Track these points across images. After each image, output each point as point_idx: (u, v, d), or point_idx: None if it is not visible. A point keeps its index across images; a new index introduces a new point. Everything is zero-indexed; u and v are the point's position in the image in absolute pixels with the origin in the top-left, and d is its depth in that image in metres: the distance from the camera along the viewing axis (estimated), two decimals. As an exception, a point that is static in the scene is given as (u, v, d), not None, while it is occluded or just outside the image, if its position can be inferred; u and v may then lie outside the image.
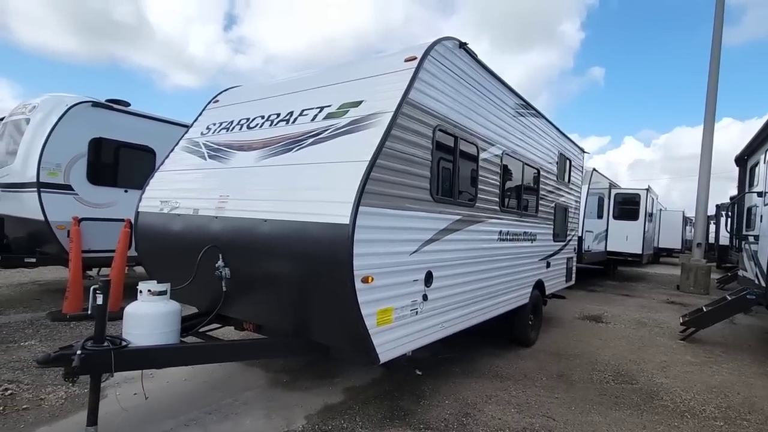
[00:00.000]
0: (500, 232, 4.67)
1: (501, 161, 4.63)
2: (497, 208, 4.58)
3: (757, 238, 6.76)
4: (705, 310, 6.92)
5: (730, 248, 13.00)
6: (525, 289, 5.46)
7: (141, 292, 2.89)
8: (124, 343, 2.69)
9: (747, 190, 8.06)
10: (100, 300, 2.60)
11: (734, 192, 9.11)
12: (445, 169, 3.62)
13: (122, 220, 6.12)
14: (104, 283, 2.61)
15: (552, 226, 6.43)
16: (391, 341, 2.98)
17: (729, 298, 6.89)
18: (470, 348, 5.30)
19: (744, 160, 8.53)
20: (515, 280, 5.12)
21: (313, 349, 3.33)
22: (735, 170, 9.14)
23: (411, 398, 3.84)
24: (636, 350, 5.89)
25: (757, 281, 6.52)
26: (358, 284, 2.63)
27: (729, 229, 8.58)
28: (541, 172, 5.90)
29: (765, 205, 6.30)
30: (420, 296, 3.28)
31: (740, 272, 8.61)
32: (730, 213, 8.68)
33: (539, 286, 5.95)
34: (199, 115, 4.50)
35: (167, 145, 4.55)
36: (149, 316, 2.80)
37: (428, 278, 3.35)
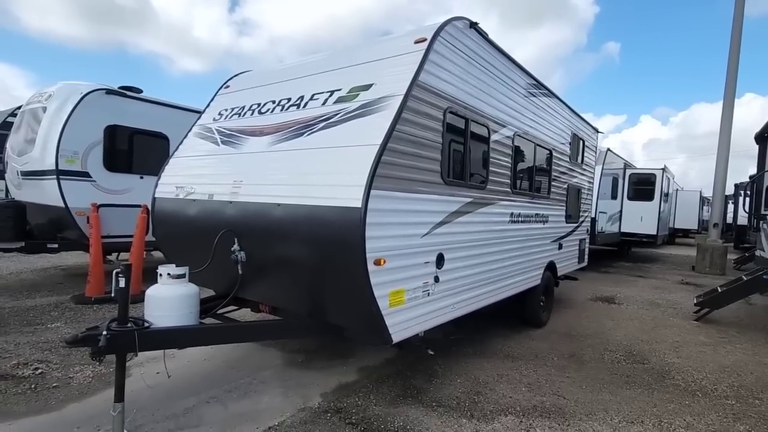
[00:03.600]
0: (512, 214, 4.67)
1: (512, 143, 4.59)
2: (509, 190, 4.57)
3: (775, 217, 6.63)
4: (720, 290, 6.86)
5: (748, 228, 12.75)
6: (536, 271, 5.47)
7: (161, 275, 2.98)
8: (146, 324, 2.80)
9: (767, 169, 7.87)
10: (122, 283, 2.69)
11: (754, 170, 8.89)
12: (456, 152, 3.62)
13: (139, 206, 6.25)
14: (126, 267, 2.70)
15: (564, 208, 6.39)
16: (403, 322, 3.04)
17: (745, 278, 6.81)
18: (482, 329, 5.36)
19: (765, 137, 8.30)
20: (527, 261, 5.13)
21: (328, 330, 3.42)
22: (755, 148, 8.92)
23: (423, 377, 3.93)
24: (648, 330, 5.90)
25: (774, 261, 6.42)
26: (371, 266, 2.67)
27: (747, 209, 8.41)
28: (554, 153, 5.84)
29: (785, 183, 6.16)
30: (431, 278, 3.33)
31: (758, 252, 8.46)
32: (749, 192, 8.50)
33: (551, 267, 5.96)
34: (211, 100, 4.54)
35: (180, 131, 4.61)
36: (170, 298, 2.90)
37: (440, 260, 3.39)
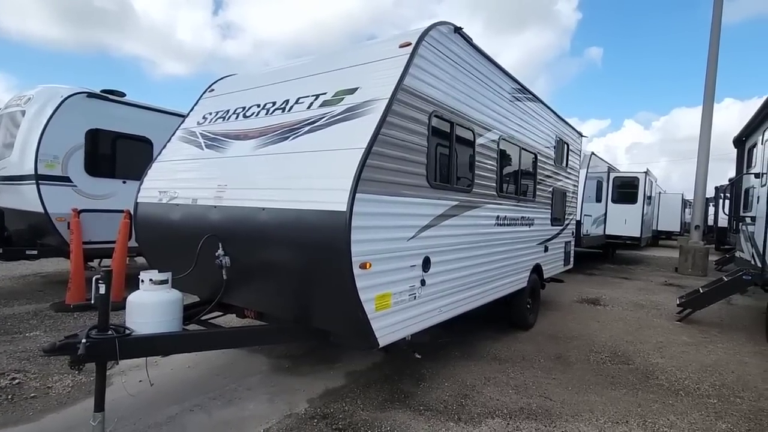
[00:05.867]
0: (498, 217, 4.70)
1: (498, 146, 4.63)
2: (495, 193, 4.60)
3: (754, 219, 6.80)
4: (702, 291, 6.99)
5: (729, 230, 13.05)
6: (523, 273, 5.52)
7: (143, 281, 2.93)
8: (128, 332, 2.74)
9: (745, 172, 8.07)
10: (102, 290, 2.62)
11: (733, 173, 9.11)
12: (441, 155, 3.64)
13: (122, 211, 6.14)
14: (106, 273, 2.64)
15: (550, 211, 6.46)
16: (389, 326, 3.03)
17: (725, 279, 6.96)
18: (469, 332, 5.37)
19: (742, 141, 8.52)
20: (513, 264, 5.16)
21: (314, 334, 3.39)
22: (734, 151, 9.14)
23: (411, 381, 3.92)
24: (633, 332, 5.97)
25: (753, 262, 6.58)
26: (356, 270, 2.66)
27: (727, 211, 8.61)
28: (539, 157, 5.91)
29: (762, 186, 6.33)
30: (418, 281, 3.32)
31: (737, 253, 8.67)
32: (728, 195, 8.70)
33: (537, 270, 6.01)
34: (195, 104, 4.49)
35: (164, 135, 4.55)
36: (152, 304, 2.84)
37: (426, 263, 3.39)
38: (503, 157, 4.79)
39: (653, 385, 4.12)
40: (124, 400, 3.27)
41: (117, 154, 6.96)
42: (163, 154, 4.23)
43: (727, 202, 8.75)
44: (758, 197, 6.57)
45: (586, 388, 3.95)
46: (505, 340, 5.25)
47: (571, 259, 7.87)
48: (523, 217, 5.42)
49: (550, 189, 6.47)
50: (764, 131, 6.59)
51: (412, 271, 3.26)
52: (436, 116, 3.45)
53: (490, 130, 4.44)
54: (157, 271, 3.01)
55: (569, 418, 3.36)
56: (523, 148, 5.35)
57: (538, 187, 5.94)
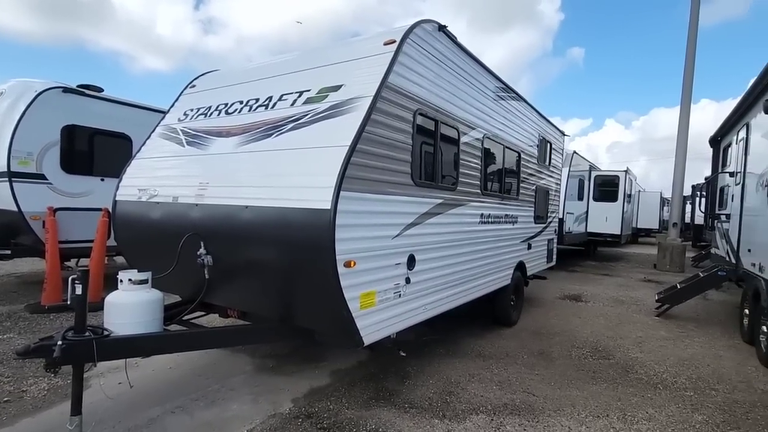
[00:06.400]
0: (482, 215, 4.74)
1: (482, 145, 4.66)
2: (479, 191, 4.63)
3: (728, 217, 7.00)
4: (679, 287, 7.17)
5: (705, 227, 13.41)
6: (507, 271, 5.57)
7: (122, 281, 2.86)
8: (106, 333, 2.67)
9: (720, 171, 8.30)
10: (79, 290, 2.56)
11: (709, 173, 9.36)
12: (426, 153, 3.64)
13: (100, 210, 6.00)
14: (83, 272, 2.57)
15: (533, 209, 6.54)
16: (374, 324, 3.03)
17: (701, 275, 7.15)
18: (454, 329, 5.41)
19: (717, 141, 8.75)
20: (497, 262, 5.21)
21: (298, 333, 3.36)
22: (710, 151, 9.38)
23: (396, 379, 3.92)
24: (613, 327, 6.09)
25: (728, 258, 6.78)
26: (341, 269, 2.65)
27: (703, 209, 8.84)
28: (522, 155, 5.97)
29: (736, 184, 6.51)
30: (403, 279, 3.32)
31: (713, 250, 8.92)
32: (704, 193, 8.94)
33: (521, 267, 6.08)
34: (176, 100, 4.40)
35: (144, 131, 4.45)
36: (131, 304, 2.78)
37: (411, 261, 3.40)
38: (487, 156, 4.82)
39: (633, 379, 4.21)
40: (103, 403, 3.19)
41: (94, 151, 6.78)
42: (143, 151, 4.13)
43: (703, 200, 8.99)
44: (732, 196, 6.76)
45: (568, 383, 4.01)
46: (489, 336, 5.30)
47: (554, 256, 7.99)
48: (506, 215, 5.47)
49: (534, 187, 6.55)
50: (738, 131, 6.79)
51: (397, 269, 3.26)
52: (420, 114, 3.46)
53: (474, 129, 4.47)
54: (136, 270, 2.94)
55: (552, 413, 3.41)
56: (506, 147, 5.39)
57: (521, 185, 6.01)
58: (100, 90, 6.96)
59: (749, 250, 5.59)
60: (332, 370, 4.07)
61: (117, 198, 3.97)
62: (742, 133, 6.46)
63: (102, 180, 6.69)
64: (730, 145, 7.60)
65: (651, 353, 5.00)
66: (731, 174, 7.01)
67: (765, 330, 4.67)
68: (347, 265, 2.70)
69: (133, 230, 3.85)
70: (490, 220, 4.95)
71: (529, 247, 6.44)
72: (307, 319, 3.23)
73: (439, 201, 3.82)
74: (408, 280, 3.38)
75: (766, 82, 5.24)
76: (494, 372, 4.20)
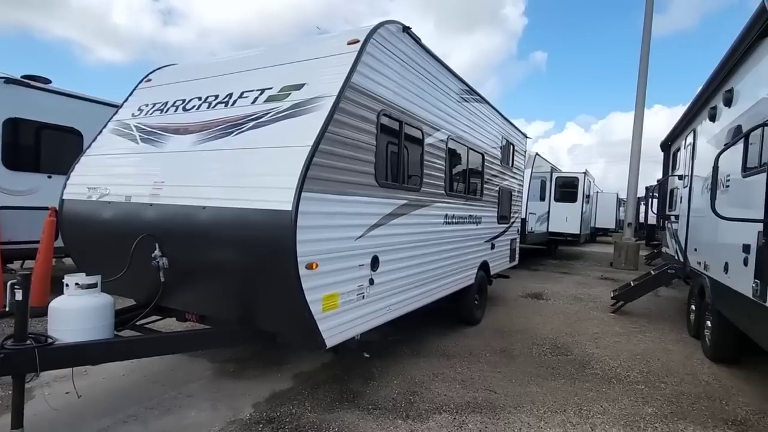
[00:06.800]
0: (446, 215, 4.79)
1: (446, 146, 4.71)
2: (443, 192, 4.68)
3: (677, 218, 7.39)
4: (632, 284, 7.52)
5: (657, 227, 14.14)
6: (471, 271, 5.66)
7: (67, 285, 2.70)
8: (49, 341, 2.52)
9: (670, 174, 8.76)
10: (19, 296, 2.40)
11: (661, 175, 9.87)
12: (390, 154, 3.64)
13: (47, 209, 5.65)
14: (23, 277, 2.41)
15: (497, 209, 6.67)
16: (337, 326, 3.00)
17: (653, 273, 7.53)
18: (419, 329, 5.44)
19: (668, 145, 9.23)
20: (461, 262, 5.28)
21: (260, 337, 3.28)
22: (662, 155, 9.88)
23: (360, 380, 3.90)
24: (572, 324, 6.31)
25: (677, 257, 7.16)
26: (303, 271, 2.60)
27: (655, 210, 9.31)
28: (486, 157, 6.08)
29: (684, 187, 6.89)
30: (366, 280, 3.31)
31: (664, 249, 9.41)
32: (656, 194, 9.42)
33: (484, 267, 6.19)
34: (130, 95, 4.20)
35: (96, 126, 4.22)
36: (77, 310, 2.63)
37: (374, 263, 3.38)
38: (452, 157, 4.88)
39: (589, 374, 4.37)
40: (47, 414, 3.01)
41: (41, 147, 6.37)
42: (93, 148, 3.92)
43: (655, 201, 9.46)
44: (681, 197, 7.15)
45: (529, 380, 4.12)
46: (454, 335, 5.37)
47: (517, 255, 8.20)
48: (471, 216, 5.56)
49: (497, 188, 6.69)
50: (686, 137, 7.18)
51: (361, 271, 3.24)
52: (384, 115, 3.45)
53: (438, 130, 4.50)
54: (84, 274, 2.79)
55: (512, 410, 3.48)
56: (471, 148, 5.48)
57: (485, 186, 6.12)
58: (48, 81, 6.55)
59: (695, 250, 5.92)
60: (295, 373, 4.01)
61: (64, 197, 3.75)
62: (690, 139, 6.84)
63: (49, 177, 6.30)
64: (679, 149, 8.03)
65: (606, 349, 5.21)
66: (680, 177, 7.41)
67: (709, 325, 4.95)
68: (309, 267, 2.66)
69: (82, 231, 3.65)
70: (454, 220, 5.01)
71: (493, 246, 6.58)
72: (268, 322, 3.16)
73: (404, 202, 3.83)
74: (372, 281, 3.37)
75: (711, 91, 5.56)
76: (458, 371, 4.25)
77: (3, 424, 2.76)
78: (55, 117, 6.49)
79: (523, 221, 10.05)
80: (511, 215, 7.53)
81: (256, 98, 3.25)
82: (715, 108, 5.34)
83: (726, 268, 4.29)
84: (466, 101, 5.32)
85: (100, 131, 4.04)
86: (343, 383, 3.82)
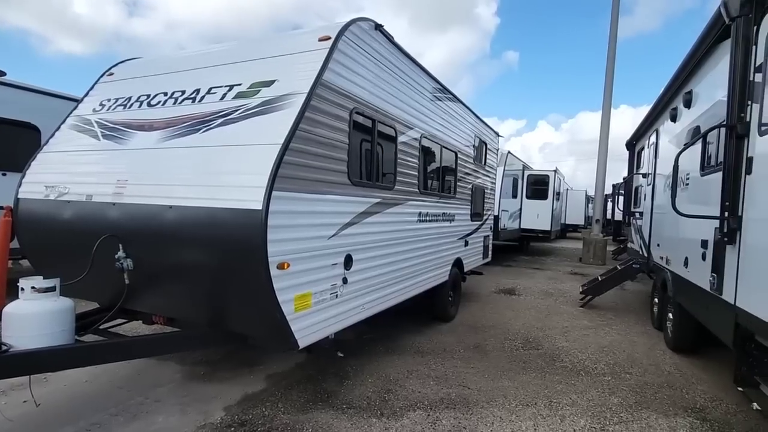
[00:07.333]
0: (420, 213, 4.81)
1: (420, 144, 4.72)
2: (417, 190, 4.69)
3: (642, 214, 7.67)
4: (600, 279, 7.76)
5: (623, 223, 14.66)
6: (444, 268, 5.71)
7: (23, 289, 2.56)
8: (4, 348, 2.39)
9: (635, 172, 9.08)
10: (-31, 301, 2.26)
11: (626, 173, 10.22)
12: (363, 153, 3.62)
13: (1, 208, 5.35)
14: (-27, 281, 2.28)
15: (470, 207, 6.75)
16: (310, 326, 2.97)
17: (619, 268, 7.79)
18: (393, 326, 5.45)
19: (633, 144, 9.56)
20: (435, 259, 5.32)
21: (230, 338, 3.22)
22: (627, 153, 10.23)
23: (335, 380, 3.88)
24: (543, 318, 6.46)
25: (641, 252, 7.43)
26: (274, 271, 2.56)
27: (621, 207, 9.65)
28: (459, 155, 6.14)
29: (648, 185, 7.15)
30: (340, 279, 3.29)
31: (629, 244, 9.76)
32: (622, 192, 9.75)
33: (458, 264, 6.26)
34: (91, 89, 4.02)
35: (54, 122, 4.02)
36: (34, 315, 2.50)
37: (348, 261, 3.36)
38: (425, 155, 4.90)
39: (558, 367, 4.48)
40: (3, 426, 2.86)
41: (-5, 142, 6.04)
42: (51, 144, 3.74)
43: (621, 198, 9.79)
44: (645, 195, 7.42)
45: (501, 375, 4.19)
46: (428, 332, 5.41)
47: (490, 252, 8.32)
48: (444, 213, 5.61)
49: (470, 186, 6.77)
50: (650, 136, 7.45)
51: (334, 270, 3.21)
52: (357, 113, 3.42)
53: (412, 128, 4.51)
54: (42, 277, 2.66)
55: (485, 405, 3.54)
56: (444, 147, 5.51)
57: (458, 184, 6.18)
58: (2, 74, 6.20)
59: (658, 245, 6.16)
60: (268, 374, 3.95)
61: (20, 195, 3.57)
62: (653, 138, 7.11)
63: (4, 174, 5.97)
64: (643, 148, 8.33)
65: (575, 342, 5.36)
66: (644, 175, 7.68)
67: (671, 317, 5.17)
68: (280, 266, 2.62)
69: (40, 232, 3.48)
70: (428, 218, 5.04)
71: (466, 244, 6.65)
72: (239, 324, 3.09)
73: (377, 200, 3.81)
74: (345, 280, 3.34)
75: (672, 92, 5.78)
76: (432, 367, 4.29)
77: (-47, 437, 2.60)
78: (10, 111, 6.14)
79: (496, 218, 10.21)
80: (484, 213, 7.64)
81: (225, 94, 3.17)
82: (676, 109, 5.56)
83: (686, 263, 4.47)
84: (440, 100, 5.35)
85: (59, 127, 3.85)
86: (317, 383, 3.79)
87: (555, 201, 15.77)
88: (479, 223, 7.31)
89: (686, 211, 3.69)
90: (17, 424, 2.91)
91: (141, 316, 3.51)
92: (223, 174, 2.75)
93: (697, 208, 3.79)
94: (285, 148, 2.62)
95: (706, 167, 4.02)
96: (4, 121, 6.10)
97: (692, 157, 4.24)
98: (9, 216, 5.21)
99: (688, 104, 4.96)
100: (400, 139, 4.24)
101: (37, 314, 2.50)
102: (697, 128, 4.48)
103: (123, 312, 3.34)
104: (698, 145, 4.05)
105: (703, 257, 3.84)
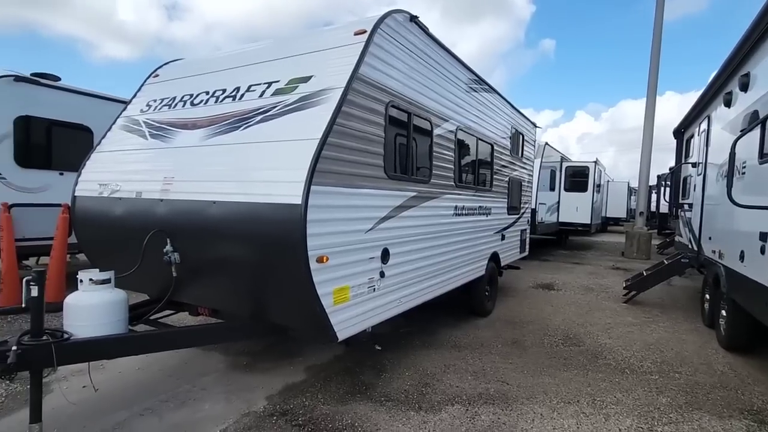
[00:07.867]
0: (456, 207, 4.75)
1: (455, 137, 4.66)
2: (452, 183, 4.64)
3: (691, 206, 7.27)
4: (645, 274, 7.43)
5: (669, 216, 13.93)
6: (481, 262, 5.63)
7: (81, 281, 2.73)
8: (65, 336, 2.55)
9: (683, 161, 8.60)
10: (35, 292, 2.42)
11: (674, 163, 9.70)
12: (399, 146, 3.61)
13: (59, 205, 5.71)
14: (38, 273, 2.44)
15: (506, 200, 6.62)
16: (348, 319, 3.00)
17: (666, 263, 7.43)
18: (429, 320, 5.44)
19: (681, 132, 9.05)
20: (471, 253, 5.25)
21: (271, 330, 3.30)
22: (674, 142, 9.70)
23: (372, 372, 3.91)
24: (584, 314, 6.26)
25: (690, 246, 7.05)
26: (313, 264, 2.60)
27: (667, 198, 9.17)
28: (495, 147, 6.01)
29: (698, 175, 6.76)
30: (377, 273, 3.30)
31: (677, 238, 9.27)
32: (668, 183, 9.26)
33: (495, 258, 6.16)
34: (138, 90, 4.21)
35: (105, 123, 4.25)
36: (92, 306, 2.66)
37: (385, 255, 3.37)
38: (461, 148, 4.83)
39: (602, 364, 4.33)
40: (65, 409, 3.06)
41: (52, 144, 6.43)
42: (103, 144, 3.95)
43: (667, 190, 9.30)
44: (695, 185, 7.02)
45: (541, 371, 4.10)
46: (465, 327, 5.36)
47: (527, 246, 8.14)
48: (480, 207, 5.52)
49: (507, 179, 6.62)
50: (700, 124, 7.03)
51: (371, 264, 3.23)
52: (393, 106, 3.41)
53: (447, 121, 4.46)
54: (98, 270, 2.82)
55: (525, 401, 3.47)
56: (480, 139, 5.42)
57: (495, 176, 6.06)
58: (57, 78, 6.60)
59: (710, 238, 5.82)
60: (307, 365, 4.03)
61: (76, 193, 3.79)
62: (704, 125, 6.70)
63: (61, 174, 6.36)
64: (692, 136, 7.87)
65: (619, 339, 5.16)
66: (693, 165, 7.27)
67: (724, 314, 4.88)
68: (319, 260, 2.65)
69: (95, 227, 3.68)
70: (464, 212, 4.98)
71: (503, 237, 6.53)
72: (280, 316, 3.17)
73: (413, 194, 3.80)
74: (382, 274, 3.36)
75: (726, 76, 5.42)
76: (469, 362, 4.25)
77: (22, 418, 2.81)
78: (66, 114, 6.54)
79: (533, 212, 9.96)
80: (521, 206, 7.47)
81: (264, 91, 3.23)
82: (730, 93, 5.21)
83: (742, 257, 4.21)
84: (475, 91, 5.25)
85: (110, 127, 4.06)
86: (355, 375, 3.84)
87: (595, 193, 15.20)
88: (516, 216, 7.15)
89: (743, 202, 3.46)
90: (79, 407, 3.11)
91: (187, 307, 3.67)
92: (263, 169, 2.81)
93: (754, 199, 3.55)
94: (323, 143, 2.64)
95: (765, 155, 3.76)
96: (61, 123, 6.50)
97: (749, 144, 3.96)
98: (67, 213, 5.58)
99: (744, 88, 4.63)
100: (436, 131, 4.20)
101: (96, 305, 2.66)
102: (755, 113, 4.19)
103: (171, 304, 3.50)
104: (756, 131, 3.78)
105: (762, 251, 3.59)
